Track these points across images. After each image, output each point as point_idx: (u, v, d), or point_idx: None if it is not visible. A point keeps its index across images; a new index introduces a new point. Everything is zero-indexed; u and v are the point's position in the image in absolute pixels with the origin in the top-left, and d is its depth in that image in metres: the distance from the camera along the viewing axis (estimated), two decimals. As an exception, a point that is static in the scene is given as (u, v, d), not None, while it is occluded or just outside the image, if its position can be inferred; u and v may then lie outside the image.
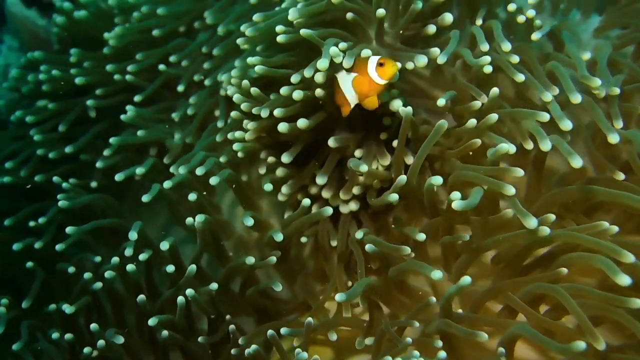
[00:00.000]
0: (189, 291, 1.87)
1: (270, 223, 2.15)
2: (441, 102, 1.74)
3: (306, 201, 1.89)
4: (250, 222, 1.93)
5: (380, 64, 1.67)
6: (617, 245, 1.44)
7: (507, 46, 1.73)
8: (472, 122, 1.71)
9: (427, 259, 1.84)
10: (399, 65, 1.69)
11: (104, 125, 2.44)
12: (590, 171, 1.81)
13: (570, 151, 1.57)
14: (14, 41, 3.06)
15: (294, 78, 1.74)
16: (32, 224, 2.26)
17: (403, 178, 1.71)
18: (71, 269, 2.14)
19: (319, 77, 1.69)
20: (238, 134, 1.93)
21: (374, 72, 1.67)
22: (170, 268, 1.96)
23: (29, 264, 2.19)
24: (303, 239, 1.98)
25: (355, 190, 1.87)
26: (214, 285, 1.91)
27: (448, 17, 1.79)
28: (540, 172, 1.77)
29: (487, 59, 1.73)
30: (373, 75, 1.68)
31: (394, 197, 1.73)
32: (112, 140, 2.25)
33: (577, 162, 1.55)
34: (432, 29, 1.81)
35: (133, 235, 2.00)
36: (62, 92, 2.46)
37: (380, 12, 1.72)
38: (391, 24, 1.84)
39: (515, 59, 1.74)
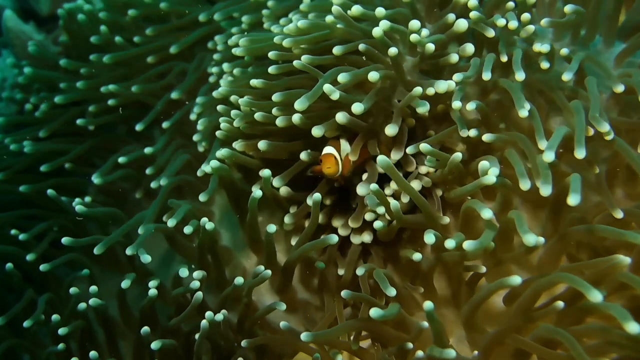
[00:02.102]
0: (208, 314, 1.81)
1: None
2: (471, 106, 1.72)
3: (317, 196, 1.80)
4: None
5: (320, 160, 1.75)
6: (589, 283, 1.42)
7: (521, 76, 1.70)
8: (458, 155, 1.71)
9: (435, 295, 1.84)
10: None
11: (101, 139, 2.41)
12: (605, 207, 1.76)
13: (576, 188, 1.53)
14: (11, 55, 3.01)
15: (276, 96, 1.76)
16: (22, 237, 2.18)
17: (396, 204, 1.71)
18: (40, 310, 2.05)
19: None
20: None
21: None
22: (195, 284, 1.90)
23: (9, 265, 2.12)
24: (321, 265, 1.91)
25: (368, 216, 1.82)
26: (220, 316, 1.84)
27: (469, 48, 1.78)
28: (559, 209, 1.73)
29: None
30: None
31: (378, 224, 1.75)
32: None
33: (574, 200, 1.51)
34: (454, 58, 1.79)
35: (146, 258, 1.89)
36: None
37: (393, 50, 1.71)
38: (411, 52, 1.83)
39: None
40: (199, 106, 2.25)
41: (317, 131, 1.73)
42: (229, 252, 2.12)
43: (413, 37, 1.73)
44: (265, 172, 1.84)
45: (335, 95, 1.68)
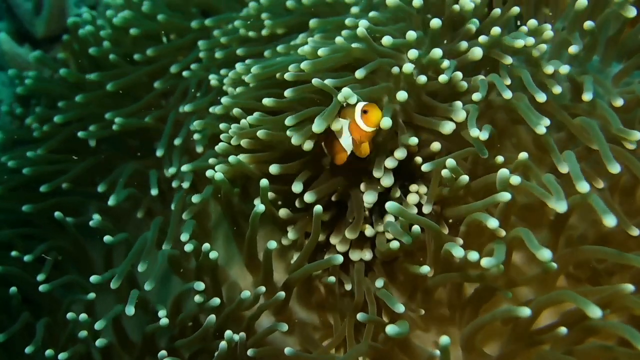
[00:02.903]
0: (227, 334, 1.77)
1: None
2: (484, 135, 1.69)
3: (318, 208, 1.77)
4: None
5: (364, 111, 1.64)
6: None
7: (542, 97, 1.70)
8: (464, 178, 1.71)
9: (433, 314, 1.84)
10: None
11: (101, 157, 2.39)
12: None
13: (605, 210, 1.51)
14: (6, 77, 3.02)
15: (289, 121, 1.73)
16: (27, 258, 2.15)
17: (417, 228, 1.69)
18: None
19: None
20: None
21: (360, 120, 1.64)
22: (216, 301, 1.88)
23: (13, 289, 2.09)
24: (331, 279, 1.88)
25: (368, 232, 1.82)
26: (236, 337, 1.80)
27: (480, 78, 1.79)
28: (560, 227, 1.73)
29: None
30: (360, 123, 1.65)
31: (394, 244, 1.72)
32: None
33: (611, 221, 1.49)
34: (464, 85, 1.80)
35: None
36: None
37: (423, 79, 1.73)
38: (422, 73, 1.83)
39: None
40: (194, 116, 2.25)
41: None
42: (223, 271, 2.09)
43: (442, 78, 1.73)
44: (263, 182, 1.81)
45: (353, 99, 1.66)
